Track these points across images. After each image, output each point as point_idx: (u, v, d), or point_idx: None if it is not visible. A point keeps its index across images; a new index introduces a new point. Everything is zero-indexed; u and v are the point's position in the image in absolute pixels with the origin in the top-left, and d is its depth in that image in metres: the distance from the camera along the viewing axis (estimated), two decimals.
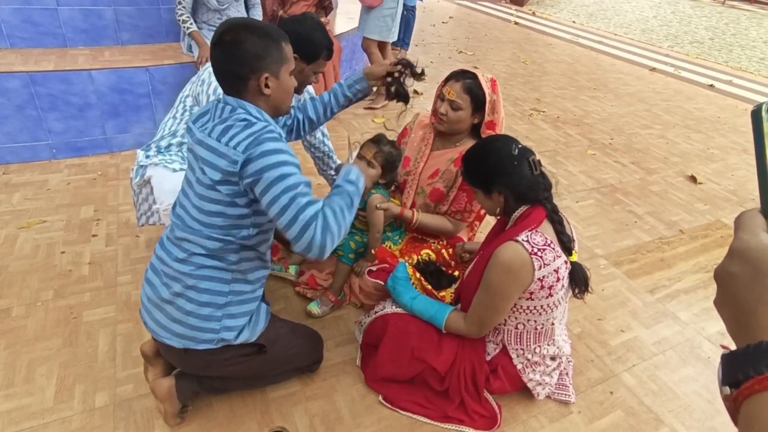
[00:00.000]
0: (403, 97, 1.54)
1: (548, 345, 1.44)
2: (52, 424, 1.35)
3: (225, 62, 1.11)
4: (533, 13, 9.66)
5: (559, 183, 3.00)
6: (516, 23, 8.41)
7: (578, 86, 5.13)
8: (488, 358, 1.47)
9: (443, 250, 1.86)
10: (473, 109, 1.72)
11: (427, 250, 1.84)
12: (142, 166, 1.77)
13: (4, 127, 2.44)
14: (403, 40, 5.18)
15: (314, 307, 1.78)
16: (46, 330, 1.63)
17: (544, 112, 4.23)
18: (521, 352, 1.44)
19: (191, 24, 2.72)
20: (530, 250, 1.24)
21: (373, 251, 1.75)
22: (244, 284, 1.22)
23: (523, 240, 1.25)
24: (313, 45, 1.55)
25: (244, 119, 1.11)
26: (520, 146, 1.35)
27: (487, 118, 1.76)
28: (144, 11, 2.86)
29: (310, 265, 1.92)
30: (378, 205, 1.67)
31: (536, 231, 1.27)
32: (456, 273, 1.78)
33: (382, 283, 1.64)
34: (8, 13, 2.52)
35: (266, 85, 1.13)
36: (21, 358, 1.52)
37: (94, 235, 2.09)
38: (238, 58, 1.09)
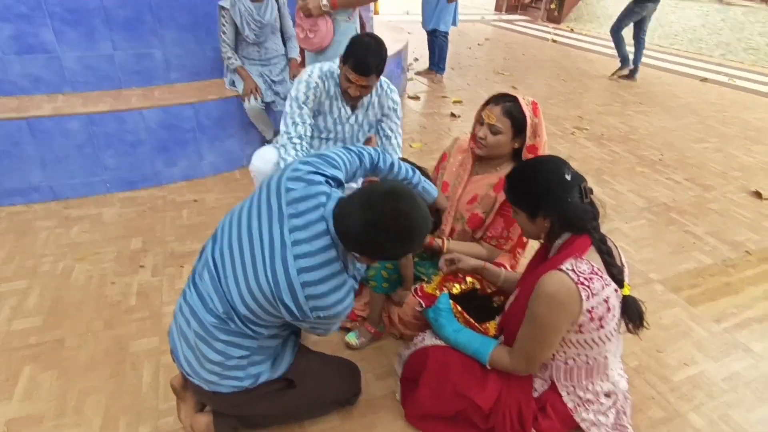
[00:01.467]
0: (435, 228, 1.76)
1: (602, 381, 1.33)
2: None
3: (356, 241, 1.05)
4: (571, 30, 9.52)
5: (606, 204, 2.86)
6: (554, 41, 8.31)
7: (623, 101, 4.95)
8: (536, 395, 1.37)
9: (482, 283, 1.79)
10: (514, 133, 1.66)
11: (470, 278, 1.78)
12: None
13: (65, 165, 2.62)
14: (438, 65, 5.21)
15: (352, 338, 1.75)
16: (95, 360, 1.68)
17: (586, 129, 4.09)
18: (572, 389, 1.33)
19: (235, 60, 2.88)
20: (576, 279, 1.16)
21: (409, 282, 1.71)
22: (273, 340, 1.22)
23: (567, 269, 1.18)
24: (345, 50, 1.79)
25: (336, 273, 1.08)
26: (572, 171, 1.27)
27: (528, 141, 1.69)
28: (190, 51, 3.02)
29: None
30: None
31: (581, 259, 1.19)
32: (498, 303, 1.71)
33: (424, 307, 1.58)
34: (71, 60, 2.73)
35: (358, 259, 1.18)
36: (72, 389, 1.57)
37: (141, 266, 2.17)
38: (371, 251, 1.08)
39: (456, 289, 1.72)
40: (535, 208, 1.28)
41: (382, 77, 1.99)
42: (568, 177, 1.24)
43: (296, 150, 1.89)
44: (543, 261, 1.36)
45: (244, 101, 2.86)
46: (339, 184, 1.23)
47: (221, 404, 1.25)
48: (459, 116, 4.28)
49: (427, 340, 1.51)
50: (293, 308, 1.05)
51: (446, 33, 4.99)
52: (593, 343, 1.24)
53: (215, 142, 2.95)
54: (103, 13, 2.70)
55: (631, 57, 5.76)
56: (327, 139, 2.10)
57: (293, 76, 3.05)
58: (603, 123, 4.28)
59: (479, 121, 1.69)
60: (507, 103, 1.62)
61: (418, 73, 5.46)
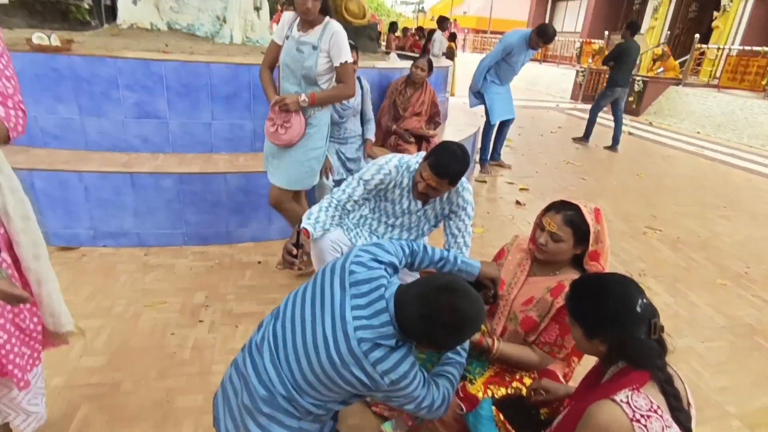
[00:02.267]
0: (494, 300, 1.75)
1: None
2: None
3: (417, 327, 1.11)
4: (650, 124, 9.35)
5: (680, 317, 2.64)
6: (630, 134, 8.18)
7: (703, 203, 4.68)
8: None
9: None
10: (575, 240, 1.64)
11: (518, 384, 1.69)
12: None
13: (154, 216, 2.91)
14: (497, 151, 5.27)
15: (388, 428, 1.70)
16: (143, 410, 1.76)
17: (660, 230, 3.88)
18: None
19: None
20: (631, 416, 1.07)
21: None
22: (314, 423, 1.24)
23: (622, 401, 1.09)
24: (431, 151, 1.87)
25: (395, 346, 1.14)
26: (645, 301, 1.20)
27: (591, 248, 1.66)
28: None
29: None
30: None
31: (639, 392, 1.10)
32: (545, 415, 1.59)
33: (464, 410, 1.52)
34: (176, 126, 3.13)
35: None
36: None
37: (200, 321, 2.29)
38: (431, 337, 1.13)
39: (500, 392, 1.64)
40: (594, 329, 1.22)
41: None
42: (639, 309, 1.17)
43: (321, 210, 1.95)
44: (597, 382, 1.27)
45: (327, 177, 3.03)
46: (395, 270, 1.34)
47: None
48: (524, 204, 4.26)
49: None
50: (364, 378, 1.10)
51: (511, 120, 5.09)
52: None
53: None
54: (209, 88, 3.11)
55: (611, 133, 6.79)
56: (392, 226, 2.17)
57: (368, 156, 3.25)
58: (680, 225, 4.05)
59: (540, 226, 1.69)
60: (569, 211, 1.61)
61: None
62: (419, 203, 2.04)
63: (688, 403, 1.17)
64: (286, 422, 1.18)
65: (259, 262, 2.88)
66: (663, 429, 1.08)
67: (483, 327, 1.82)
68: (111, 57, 2.90)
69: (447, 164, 1.78)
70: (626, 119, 9.64)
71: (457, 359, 1.42)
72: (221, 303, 2.45)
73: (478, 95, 4.85)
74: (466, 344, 1.45)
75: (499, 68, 4.68)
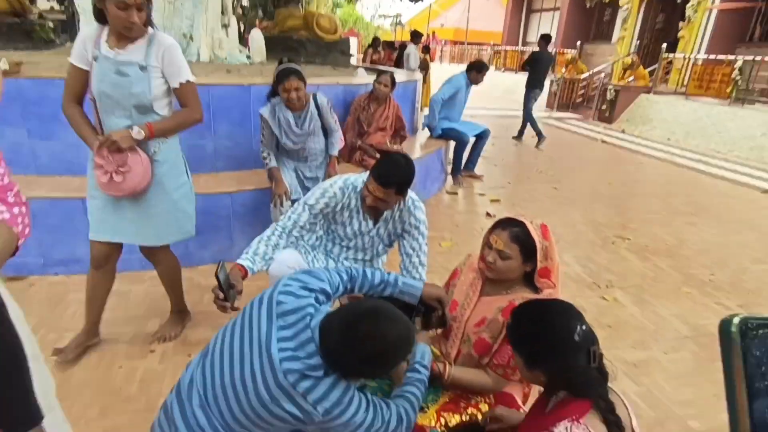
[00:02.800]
0: (442, 324, 1.68)
1: None
2: None
3: (339, 359, 1.07)
4: (622, 131, 9.52)
5: (645, 329, 2.63)
6: (603, 141, 8.31)
7: (672, 210, 4.74)
8: None
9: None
10: (523, 257, 1.61)
11: (473, 410, 1.64)
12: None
13: None
14: (472, 162, 5.28)
15: None
16: None
17: (629, 239, 3.91)
18: None
19: (270, 161, 2.89)
20: None
21: None
22: None
23: None
24: (375, 164, 1.84)
25: (323, 378, 1.08)
26: (584, 329, 1.16)
27: (540, 265, 1.63)
28: (238, 144, 3.29)
29: None
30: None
31: (578, 423, 1.06)
32: None
33: None
34: None
35: None
36: None
37: (151, 351, 2.20)
38: (354, 368, 1.10)
39: (454, 420, 1.58)
40: (534, 360, 1.18)
41: (410, 193, 2.02)
42: (577, 338, 1.14)
43: (261, 241, 1.85)
44: (541, 412, 1.23)
45: (277, 206, 2.91)
46: (327, 297, 1.28)
47: None
48: (494, 216, 4.25)
49: None
50: (296, 411, 1.05)
51: (485, 132, 5.12)
52: None
53: (247, 229, 3.07)
54: None
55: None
56: (347, 248, 2.12)
57: (328, 174, 3.04)
58: (649, 233, 4.08)
59: (487, 244, 1.66)
60: (514, 228, 1.59)
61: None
62: (370, 223, 2.00)
63: (632, 430, 1.13)
64: None
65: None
66: None
67: (435, 351, 1.77)
68: (61, 78, 2.81)
69: (391, 174, 1.77)
70: (600, 127, 9.82)
71: (415, 377, 1.35)
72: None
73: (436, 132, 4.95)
74: (426, 360, 1.40)
75: (446, 108, 4.85)
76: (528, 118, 7.50)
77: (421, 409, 1.63)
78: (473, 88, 4.95)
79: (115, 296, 2.61)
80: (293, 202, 2.99)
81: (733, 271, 3.43)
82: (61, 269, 2.79)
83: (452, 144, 5.02)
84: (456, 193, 4.81)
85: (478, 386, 1.64)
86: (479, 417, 1.61)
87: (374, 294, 1.60)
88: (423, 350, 1.42)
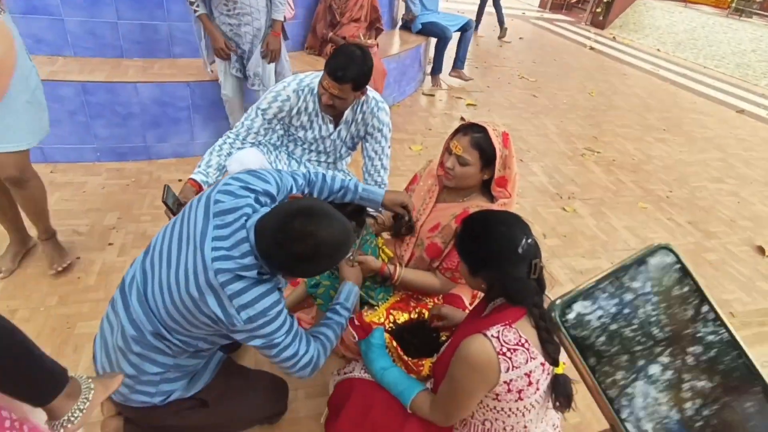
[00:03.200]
0: (410, 230, 1.71)
1: None
2: None
3: (275, 256, 1.04)
4: (613, 38, 9.11)
5: (597, 239, 2.75)
6: (591, 48, 7.97)
7: (646, 125, 4.73)
8: None
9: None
10: (482, 164, 1.59)
11: (421, 309, 1.73)
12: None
13: (56, 129, 2.63)
14: (460, 59, 5.02)
15: None
16: (40, 337, 1.71)
17: (599, 152, 3.93)
18: None
19: (198, 6, 2.40)
20: (498, 349, 1.10)
21: (354, 307, 1.67)
22: (191, 359, 1.20)
23: (492, 336, 1.12)
24: (328, 58, 1.71)
25: (257, 278, 1.06)
26: (529, 242, 1.17)
27: (497, 173, 1.62)
28: None
29: (296, 308, 1.88)
30: (351, 258, 1.58)
31: (510, 327, 1.13)
32: (445, 338, 1.66)
33: (356, 339, 1.55)
34: (74, 24, 2.73)
35: None
36: None
37: (110, 244, 2.19)
38: (289, 267, 1.07)
39: (403, 317, 1.68)
40: (476, 268, 1.22)
41: (372, 93, 1.91)
42: (520, 250, 1.16)
43: (213, 152, 1.78)
44: (477, 317, 1.30)
45: (209, 68, 2.64)
46: (272, 199, 1.24)
47: (132, 413, 1.26)
48: (475, 105, 4.16)
49: (356, 371, 1.48)
50: (219, 313, 1.03)
51: (467, 25, 4.78)
52: (510, 412, 1.19)
53: (209, 124, 2.93)
54: None
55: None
56: (309, 150, 2.05)
57: (268, 53, 2.58)
58: (618, 147, 4.10)
59: (447, 150, 1.62)
60: (476, 134, 1.55)
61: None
62: (331, 127, 1.91)
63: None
64: (160, 360, 1.15)
65: (180, 180, 2.72)
66: (528, 360, 1.13)
67: (389, 252, 1.81)
68: None
69: (345, 67, 1.65)
70: (590, 32, 9.35)
71: (335, 320, 1.34)
72: (134, 224, 2.33)
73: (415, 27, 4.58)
74: (350, 302, 1.39)
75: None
76: (495, 4, 7.16)
77: (372, 306, 1.72)
78: None
79: (70, 188, 2.54)
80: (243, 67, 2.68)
81: (690, 189, 3.54)
82: None
83: (433, 42, 4.71)
84: (433, 95, 4.64)
85: (426, 287, 1.72)
86: (426, 315, 1.71)
87: (334, 200, 1.58)
88: (349, 291, 1.40)
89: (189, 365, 1.21)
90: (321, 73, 1.81)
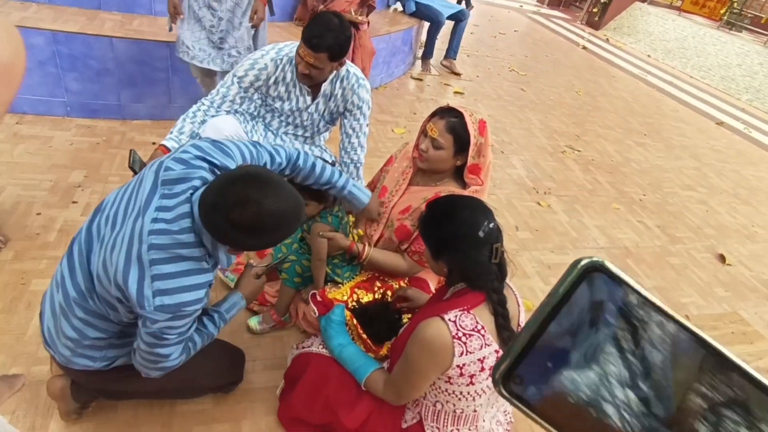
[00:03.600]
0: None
1: (469, 430, 1.31)
2: None
3: (213, 228, 0.97)
4: (607, 40, 9.15)
5: (568, 235, 2.80)
6: (584, 47, 7.99)
7: (628, 128, 4.79)
8: (404, 425, 1.36)
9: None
10: (456, 150, 1.59)
11: (387, 290, 1.74)
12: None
13: (25, 79, 2.52)
14: (453, 49, 4.99)
15: (254, 323, 1.73)
16: None
17: (579, 151, 3.97)
18: (436, 430, 1.32)
19: None
20: (454, 333, 1.11)
21: (319, 283, 1.66)
22: (134, 328, 1.14)
23: (449, 320, 1.13)
24: (305, 26, 1.66)
25: (192, 258, 1.00)
26: (491, 226, 1.17)
27: (471, 161, 1.62)
28: None
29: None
30: (321, 233, 1.57)
31: (468, 312, 1.14)
32: (407, 320, 1.67)
33: (317, 315, 1.56)
34: None
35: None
36: None
37: (74, 202, 2.12)
38: (232, 239, 0.99)
39: (367, 297, 1.69)
40: (438, 251, 1.22)
41: (353, 69, 1.87)
42: (481, 234, 1.16)
43: (186, 119, 1.71)
44: (440, 299, 1.31)
45: (172, 26, 2.33)
46: None
47: (76, 376, 1.23)
48: (462, 93, 4.14)
49: (314, 346, 1.48)
50: (134, 289, 0.96)
51: (461, 13, 4.71)
52: (461, 395, 1.21)
53: (189, 88, 2.84)
54: None
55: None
56: (287, 123, 2.00)
57: (255, 20, 2.37)
58: (598, 148, 4.15)
59: (423, 132, 1.61)
60: (452, 118, 1.54)
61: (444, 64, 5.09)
62: (308, 99, 1.87)
63: (519, 324, 1.24)
64: (102, 326, 1.11)
65: (154, 143, 2.65)
66: (482, 347, 1.14)
67: (360, 232, 1.81)
68: None
69: (321, 35, 1.60)
70: (584, 32, 9.37)
71: (209, 330, 1.21)
72: (101, 184, 2.26)
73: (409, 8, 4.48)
74: (230, 314, 1.28)
75: None
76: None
77: (337, 284, 1.72)
78: None
79: (36, 141, 2.45)
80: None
81: (663, 194, 3.62)
82: None
83: (426, 26, 4.65)
84: (421, 80, 4.59)
85: (393, 269, 1.72)
86: (389, 296, 1.72)
87: (321, 187, 1.51)
88: (234, 302, 1.29)
89: (135, 333, 1.16)
90: (295, 44, 1.77)
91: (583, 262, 0.28)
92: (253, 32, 2.48)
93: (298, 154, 1.38)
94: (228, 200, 0.93)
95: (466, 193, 1.61)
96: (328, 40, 1.61)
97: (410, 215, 1.70)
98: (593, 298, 0.28)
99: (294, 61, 1.76)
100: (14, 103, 2.55)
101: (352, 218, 1.87)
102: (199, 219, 0.99)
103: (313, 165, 1.42)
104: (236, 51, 2.40)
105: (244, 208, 0.93)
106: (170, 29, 2.37)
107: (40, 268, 1.78)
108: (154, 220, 0.98)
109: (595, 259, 0.28)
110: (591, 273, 0.28)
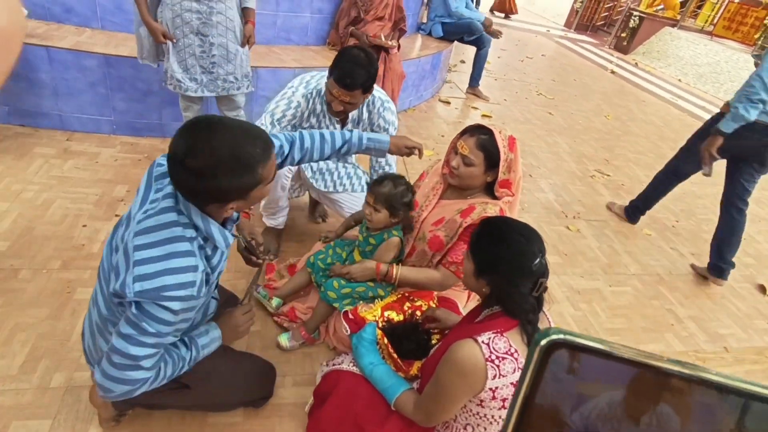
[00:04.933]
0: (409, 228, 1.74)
1: None
2: (8, 393, 1.43)
3: (182, 187, 0.98)
4: (635, 64, 9.09)
5: (598, 261, 2.75)
6: (613, 72, 7.95)
7: (659, 153, 4.71)
8: None
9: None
10: (486, 166, 1.61)
11: (416, 311, 1.74)
12: None
13: (77, 98, 2.69)
14: (475, 78, 5.00)
15: (284, 339, 1.76)
16: (40, 298, 1.74)
17: (608, 175, 3.92)
18: None
19: None
20: (487, 356, 1.11)
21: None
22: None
23: (482, 341, 1.13)
24: (333, 61, 1.69)
25: (176, 238, 0.98)
26: (543, 261, 1.18)
27: (501, 176, 1.64)
28: None
29: (292, 297, 1.90)
30: (337, 272, 1.65)
31: (501, 335, 1.14)
32: (437, 341, 1.67)
33: (348, 332, 1.58)
34: None
35: (231, 208, 1.03)
36: (9, 320, 1.64)
37: (116, 215, 2.22)
38: (200, 190, 0.97)
39: (397, 318, 1.69)
40: (484, 269, 1.22)
41: (378, 93, 1.93)
42: (533, 266, 1.16)
43: None
44: (472, 320, 1.31)
45: (142, 59, 2.31)
46: None
47: None
48: (490, 116, 4.17)
49: (345, 363, 1.50)
50: (121, 278, 0.96)
51: (481, 39, 4.67)
52: (493, 419, 1.20)
53: None
54: None
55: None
56: None
57: (250, 44, 2.34)
58: (629, 173, 4.09)
59: (454, 149, 1.64)
60: (482, 136, 1.57)
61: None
62: (338, 126, 1.94)
63: None
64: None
65: None
66: (515, 370, 1.14)
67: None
68: None
69: (352, 74, 1.65)
70: (613, 56, 9.33)
71: (180, 355, 1.14)
72: None
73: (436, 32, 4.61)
74: (207, 350, 1.22)
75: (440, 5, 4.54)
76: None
77: (370, 299, 1.73)
78: None
79: (84, 156, 2.58)
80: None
81: (697, 221, 3.53)
82: (29, 121, 2.69)
83: (456, 47, 4.72)
84: (449, 103, 4.65)
85: (426, 282, 1.71)
86: (418, 317, 1.72)
87: (336, 159, 1.55)
88: (213, 338, 1.23)
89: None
90: (323, 74, 1.84)
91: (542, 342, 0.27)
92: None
93: (299, 134, 1.41)
94: (179, 150, 0.92)
95: (499, 204, 1.62)
96: (360, 78, 1.67)
97: (443, 226, 1.71)
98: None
99: (323, 93, 1.82)
100: (66, 120, 2.71)
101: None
102: (175, 192, 1.00)
103: (321, 135, 1.44)
104: (233, 77, 2.36)
105: (194, 154, 0.91)
106: (157, 65, 2.36)
107: (84, 278, 1.86)
108: (144, 212, 1.00)
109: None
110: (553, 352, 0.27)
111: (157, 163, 1.09)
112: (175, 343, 1.14)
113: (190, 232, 1.00)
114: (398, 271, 1.67)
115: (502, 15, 10.63)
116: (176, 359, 1.13)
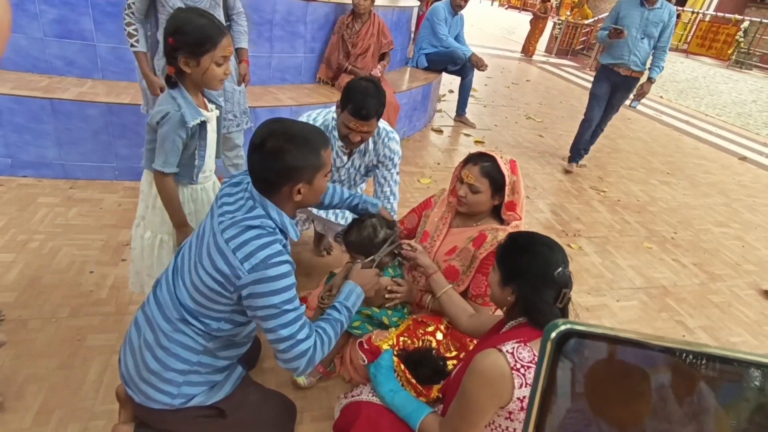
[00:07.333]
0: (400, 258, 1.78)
1: None
2: None
3: (262, 170, 1.14)
4: None
5: (603, 277, 2.77)
6: None
7: (650, 168, 4.82)
8: None
9: (447, 340, 1.75)
10: (493, 191, 1.66)
11: (429, 337, 1.74)
12: None
13: (80, 147, 2.73)
14: (461, 106, 5.12)
15: (301, 378, 1.74)
16: (50, 348, 1.72)
17: (604, 192, 3.99)
18: None
19: (138, 41, 2.10)
20: (512, 365, 1.12)
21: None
22: (213, 359, 1.24)
23: (507, 351, 1.13)
24: (342, 95, 1.77)
25: (260, 226, 1.13)
26: (566, 271, 1.21)
27: (507, 198, 1.68)
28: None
29: None
30: (387, 294, 1.67)
31: (525, 345, 1.15)
32: (453, 367, 1.66)
33: (366, 362, 1.57)
34: (105, 50, 2.87)
35: (299, 192, 1.16)
36: (20, 372, 1.61)
37: (123, 260, 2.22)
38: (276, 169, 1.12)
39: (412, 345, 1.69)
40: (510, 278, 1.24)
41: (382, 123, 1.99)
42: (555, 274, 1.19)
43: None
44: (497, 332, 1.32)
45: (145, 110, 2.39)
46: None
47: (147, 415, 1.27)
48: (483, 142, 4.25)
49: (364, 394, 1.48)
50: (225, 268, 1.09)
51: (465, 67, 4.78)
52: None
53: None
54: None
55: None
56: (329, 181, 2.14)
57: (244, 81, 2.38)
58: (623, 188, 4.17)
59: (459, 179, 1.69)
60: (485, 163, 1.63)
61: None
62: (345, 158, 1.98)
63: None
64: (184, 355, 1.18)
65: None
66: None
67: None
68: None
69: (366, 105, 1.72)
70: None
71: (334, 316, 1.30)
72: None
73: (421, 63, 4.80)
74: (350, 301, 1.35)
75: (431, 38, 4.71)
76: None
77: (376, 325, 1.73)
78: (467, 21, 4.69)
79: (88, 204, 2.60)
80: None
81: (695, 231, 3.58)
82: (31, 171, 2.72)
83: (443, 78, 4.87)
84: (441, 131, 4.76)
85: (463, 311, 1.69)
86: (433, 343, 1.72)
87: (343, 207, 1.73)
88: (350, 290, 1.37)
89: (211, 364, 1.24)
90: (328, 110, 1.92)
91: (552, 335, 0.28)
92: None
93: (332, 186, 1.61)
94: (258, 138, 1.12)
95: (508, 230, 1.65)
96: (373, 108, 1.73)
97: (457, 255, 1.73)
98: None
99: (330, 128, 1.90)
100: (68, 169, 2.75)
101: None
102: (251, 194, 1.17)
103: (332, 188, 1.65)
104: (232, 115, 2.41)
105: (272, 136, 1.11)
106: (147, 111, 2.39)
107: (94, 324, 1.85)
108: (221, 214, 1.17)
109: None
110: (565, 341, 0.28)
111: (221, 187, 1.27)
112: (327, 312, 1.31)
113: (269, 222, 1.15)
114: (430, 302, 1.72)
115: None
116: (331, 320, 1.28)
